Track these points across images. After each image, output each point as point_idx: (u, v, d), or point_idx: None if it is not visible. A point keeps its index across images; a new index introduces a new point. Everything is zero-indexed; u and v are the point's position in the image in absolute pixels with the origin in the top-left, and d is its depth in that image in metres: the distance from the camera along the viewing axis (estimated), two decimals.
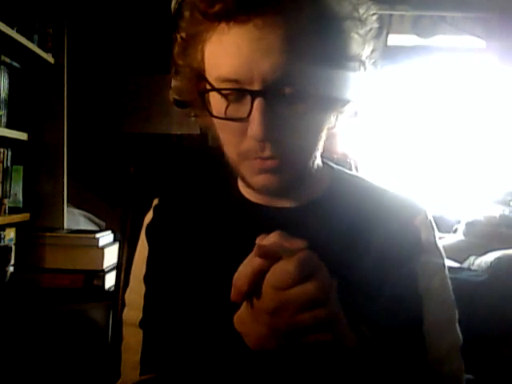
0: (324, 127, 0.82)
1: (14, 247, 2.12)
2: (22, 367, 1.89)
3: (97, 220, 2.71)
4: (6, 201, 2.26)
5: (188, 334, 0.79)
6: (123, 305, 0.93)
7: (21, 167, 2.42)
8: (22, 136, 2.37)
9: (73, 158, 2.63)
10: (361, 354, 0.71)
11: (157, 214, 0.90)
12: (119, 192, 1.19)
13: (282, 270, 0.64)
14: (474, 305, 1.61)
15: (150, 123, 3.13)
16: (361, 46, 0.79)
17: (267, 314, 0.66)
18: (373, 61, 0.81)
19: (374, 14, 0.80)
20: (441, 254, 0.88)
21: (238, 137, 0.77)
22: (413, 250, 0.84)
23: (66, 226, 2.49)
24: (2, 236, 2.20)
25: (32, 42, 2.31)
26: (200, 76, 0.79)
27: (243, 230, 0.84)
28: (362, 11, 0.79)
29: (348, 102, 0.81)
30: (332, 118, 0.83)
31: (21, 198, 2.40)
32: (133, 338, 0.86)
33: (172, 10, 0.80)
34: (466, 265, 1.93)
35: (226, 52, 0.75)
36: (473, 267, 1.87)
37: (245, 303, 0.70)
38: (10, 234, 2.23)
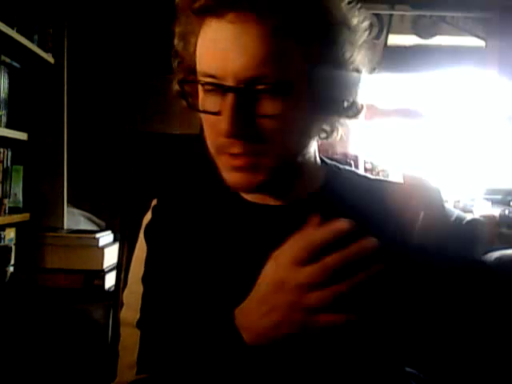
0: (308, 128, 0.81)
1: (14, 247, 2.12)
2: (22, 367, 1.89)
3: (97, 220, 2.71)
4: (6, 201, 2.26)
5: (184, 335, 0.79)
6: (122, 304, 0.93)
7: (21, 167, 2.42)
8: (22, 136, 2.37)
9: (73, 158, 2.63)
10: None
11: (155, 215, 0.90)
12: (119, 192, 1.19)
13: (305, 244, 0.66)
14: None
15: (150, 123, 3.13)
16: (348, 51, 0.78)
17: (286, 293, 0.66)
18: (370, 68, 0.81)
19: (364, 21, 0.80)
20: None
21: (215, 131, 0.77)
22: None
23: (66, 226, 2.49)
24: (2, 236, 2.20)
25: (32, 42, 2.31)
26: (193, 69, 0.80)
27: (240, 229, 0.84)
28: (352, 18, 0.78)
29: (335, 104, 0.80)
30: (322, 121, 0.82)
31: (21, 198, 2.40)
32: (130, 338, 0.86)
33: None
34: None
35: (206, 47, 0.76)
36: None
37: (250, 295, 0.71)
38: (10, 234, 2.23)
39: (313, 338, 0.69)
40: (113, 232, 2.17)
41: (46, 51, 2.43)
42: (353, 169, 0.94)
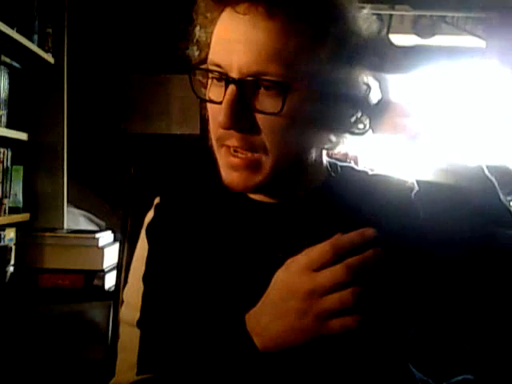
0: (310, 135, 0.80)
1: (14, 247, 2.12)
2: (22, 367, 1.89)
3: (97, 220, 2.71)
4: (6, 201, 2.26)
5: (188, 336, 0.78)
6: (122, 303, 0.93)
7: (21, 167, 2.42)
8: (22, 136, 2.37)
9: (73, 158, 2.63)
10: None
11: (158, 213, 0.90)
12: (119, 192, 1.19)
13: (315, 252, 0.67)
14: None
15: (150, 123, 3.13)
16: (357, 58, 0.77)
17: (299, 299, 0.66)
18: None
19: (373, 26, 0.79)
20: None
21: (216, 122, 0.77)
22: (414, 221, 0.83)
23: (66, 226, 2.49)
24: (2, 236, 2.20)
25: (32, 42, 2.31)
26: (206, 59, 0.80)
27: (243, 227, 0.84)
28: (363, 23, 0.78)
29: (341, 115, 0.79)
30: (328, 131, 0.81)
31: (21, 198, 2.40)
32: (129, 338, 0.86)
33: None
34: None
35: (218, 36, 0.77)
36: None
37: (261, 300, 0.71)
38: (10, 234, 2.23)
39: (324, 344, 0.69)
40: (113, 232, 2.17)
41: (46, 51, 2.43)
42: (351, 164, 0.93)
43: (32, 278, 2.00)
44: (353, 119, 0.80)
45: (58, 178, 2.51)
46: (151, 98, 3.12)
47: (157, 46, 3.09)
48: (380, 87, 0.79)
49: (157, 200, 0.92)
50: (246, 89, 0.74)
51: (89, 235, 2.07)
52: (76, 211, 2.65)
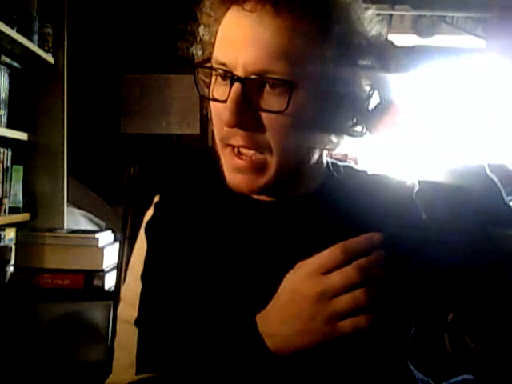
0: (313, 135, 0.80)
1: (14, 247, 2.12)
2: (22, 367, 1.89)
3: (97, 220, 2.71)
4: (5, 201, 2.26)
5: (190, 334, 0.78)
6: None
7: (21, 167, 2.42)
8: (22, 136, 2.37)
9: (73, 158, 2.63)
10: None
11: (157, 212, 0.90)
12: (119, 192, 1.19)
13: (325, 256, 0.68)
14: None
15: (150, 123, 3.13)
16: (361, 60, 0.77)
17: (309, 302, 0.67)
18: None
19: (382, 31, 0.79)
20: None
21: (220, 121, 0.77)
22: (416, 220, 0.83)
23: (66, 226, 2.49)
24: (2, 236, 2.20)
25: (32, 42, 2.31)
26: (211, 58, 0.80)
27: (244, 227, 0.84)
28: (369, 27, 0.78)
29: (342, 116, 0.79)
30: (329, 132, 0.81)
31: (21, 198, 2.40)
32: (127, 336, 0.86)
33: None
34: None
35: (223, 34, 0.77)
36: None
37: (271, 303, 0.71)
38: (10, 234, 2.23)
39: (333, 345, 0.69)
40: (113, 232, 2.17)
41: (46, 51, 2.43)
42: (351, 164, 0.93)
43: (32, 277, 2.00)
44: (354, 120, 0.80)
45: (57, 178, 2.51)
46: (151, 98, 3.12)
47: (157, 46, 3.09)
48: (380, 88, 0.79)
49: (156, 198, 0.92)
50: (251, 87, 0.74)
51: (89, 235, 2.07)
52: (76, 211, 2.65)
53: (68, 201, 2.55)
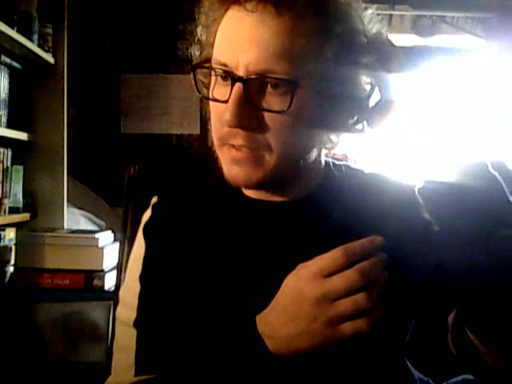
0: (313, 133, 0.80)
1: (14, 247, 2.12)
2: (22, 367, 1.89)
3: (97, 220, 2.71)
4: (5, 201, 2.26)
5: (189, 335, 0.78)
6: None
7: (21, 167, 2.42)
8: (22, 136, 2.37)
9: (73, 158, 2.64)
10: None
11: (155, 212, 0.89)
12: (119, 192, 1.19)
13: (327, 258, 0.68)
14: None
15: (150, 123, 3.13)
16: (362, 59, 0.77)
17: (309, 304, 0.67)
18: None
19: (382, 32, 0.79)
20: None
21: (220, 121, 0.77)
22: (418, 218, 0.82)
23: (66, 226, 2.49)
24: (2, 236, 2.20)
25: (32, 42, 2.31)
26: (210, 59, 0.80)
27: (243, 227, 0.84)
28: (370, 27, 0.78)
29: (343, 114, 0.79)
30: (329, 131, 0.81)
31: (21, 198, 2.40)
32: (125, 338, 0.85)
33: None
34: None
35: (223, 34, 0.76)
36: None
37: (271, 304, 0.71)
38: (10, 234, 2.23)
39: (334, 347, 0.69)
40: (113, 232, 2.17)
41: (46, 51, 2.43)
42: (348, 163, 0.93)
43: (32, 277, 2.00)
44: (355, 118, 0.80)
45: (57, 178, 2.51)
46: (151, 98, 3.12)
47: (157, 46, 3.09)
48: (381, 85, 0.79)
49: (154, 199, 0.91)
50: (252, 87, 0.74)
51: (89, 235, 2.07)
52: (76, 211, 2.65)
53: (68, 201, 2.55)
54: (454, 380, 0.96)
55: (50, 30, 2.45)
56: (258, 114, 0.75)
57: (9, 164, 2.34)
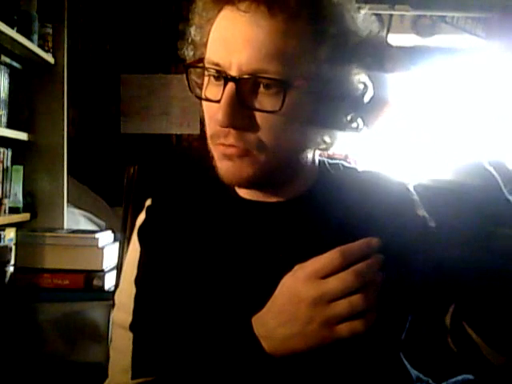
0: (306, 134, 0.80)
1: (14, 247, 2.12)
2: (22, 367, 1.89)
3: (97, 220, 2.71)
4: (5, 201, 2.26)
5: (185, 337, 0.78)
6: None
7: (21, 167, 2.42)
8: (22, 136, 2.37)
9: (73, 158, 2.63)
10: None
11: (149, 215, 0.89)
12: (119, 192, 1.19)
13: (324, 260, 0.68)
14: None
15: (150, 123, 3.13)
16: (355, 59, 0.77)
17: (306, 306, 0.67)
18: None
19: (374, 30, 0.79)
20: None
21: (213, 121, 0.77)
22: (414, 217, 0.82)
23: (66, 226, 2.49)
24: (2, 236, 2.20)
25: (32, 42, 2.31)
26: (203, 59, 0.80)
27: (238, 228, 0.84)
28: (363, 27, 0.78)
29: (336, 114, 0.79)
30: (323, 131, 0.81)
31: (21, 198, 2.40)
32: (122, 341, 0.85)
33: None
34: None
35: (216, 34, 0.77)
36: None
37: (267, 305, 0.71)
38: (10, 234, 2.23)
39: (329, 348, 0.69)
40: (113, 232, 2.17)
41: (46, 51, 2.43)
42: (342, 161, 0.93)
43: (32, 277, 2.00)
44: (348, 118, 0.80)
45: (58, 178, 2.51)
46: (151, 98, 3.12)
47: (157, 46, 3.09)
48: (375, 85, 0.79)
49: (148, 202, 0.91)
50: (245, 87, 0.74)
51: (89, 235, 2.07)
52: (76, 211, 2.65)
53: (68, 201, 2.55)
54: (453, 380, 0.96)
55: (50, 30, 2.45)
56: (250, 113, 0.75)
57: (9, 164, 2.34)
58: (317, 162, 0.88)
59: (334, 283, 0.67)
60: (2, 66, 2.27)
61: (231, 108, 0.73)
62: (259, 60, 0.72)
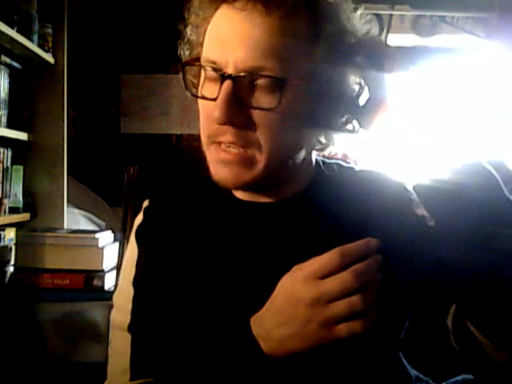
0: (303, 133, 0.80)
1: (14, 247, 2.12)
2: (22, 367, 1.89)
3: (97, 220, 2.71)
4: (5, 201, 2.26)
5: (184, 338, 0.78)
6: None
7: (21, 167, 2.42)
8: (22, 136, 2.37)
9: (73, 158, 2.63)
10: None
11: (147, 216, 0.89)
12: (119, 192, 1.19)
13: (323, 260, 0.68)
14: None
15: (150, 123, 3.13)
16: (352, 59, 0.77)
17: (304, 306, 0.67)
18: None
19: (371, 31, 0.80)
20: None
21: (209, 118, 0.77)
22: (412, 216, 0.82)
23: (66, 226, 2.49)
24: (2, 236, 2.20)
25: (32, 42, 2.31)
26: (199, 58, 0.80)
27: (235, 229, 0.84)
28: (360, 27, 0.78)
29: (333, 114, 0.79)
30: (318, 132, 0.81)
31: (21, 198, 2.40)
32: (120, 342, 0.85)
33: None
34: None
35: (213, 32, 0.77)
36: None
37: (266, 306, 0.71)
38: (10, 234, 2.23)
39: (328, 348, 0.69)
40: (113, 232, 2.17)
41: (46, 51, 2.43)
42: (338, 161, 0.93)
43: (32, 277, 2.00)
44: (344, 119, 0.80)
45: (58, 178, 2.51)
46: (151, 98, 3.12)
47: (157, 46, 3.09)
48: (371, 85, 0.79)
49: (146, 203, 0.91)
50: (241, 85, 0.74)
51: (89, 235, 2.07)
52: (76, 211, 2.65)
53: (68, 201, 2.55)
54: (453, 380, 0.96)
55: (50, 30, 2.45)
56: (247, 111, 0.75)
57: (9, 164, 2.34)
58: (313, 162, 0.88)
59: (333, 284, 0.67)
60: (2, 66, 2.27)
61: (228, 105, 0.73)
62: (256, 58, 0.73)
